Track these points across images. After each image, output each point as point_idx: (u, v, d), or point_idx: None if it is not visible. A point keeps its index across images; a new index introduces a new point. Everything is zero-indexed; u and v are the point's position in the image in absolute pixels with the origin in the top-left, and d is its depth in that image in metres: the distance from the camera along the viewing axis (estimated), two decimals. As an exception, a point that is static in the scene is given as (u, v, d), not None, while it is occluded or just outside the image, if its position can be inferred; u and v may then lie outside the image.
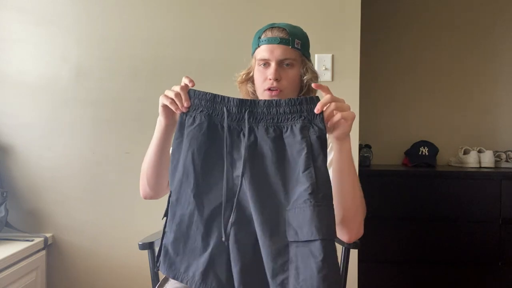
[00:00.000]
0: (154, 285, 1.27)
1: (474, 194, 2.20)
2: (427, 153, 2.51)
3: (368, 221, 2.15)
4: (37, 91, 1.88)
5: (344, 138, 1.02)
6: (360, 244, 1.26)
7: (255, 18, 1.86)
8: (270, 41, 1.19)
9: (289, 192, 0.92)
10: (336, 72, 1.85)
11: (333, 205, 0.93)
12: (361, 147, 2.44)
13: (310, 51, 1.91)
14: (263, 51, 1.20)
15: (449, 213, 2.20)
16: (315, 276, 0.86)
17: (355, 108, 1.85)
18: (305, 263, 0.87)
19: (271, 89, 1.19)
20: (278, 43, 1.19)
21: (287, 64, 1.20)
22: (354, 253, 1.83)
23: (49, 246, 1.87)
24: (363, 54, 1.88)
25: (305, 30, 1.90)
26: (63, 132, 1.88)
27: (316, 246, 0.87)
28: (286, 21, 1.89)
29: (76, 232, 1.89)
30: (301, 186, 0.90)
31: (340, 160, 1.05)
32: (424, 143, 2.55)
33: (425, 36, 2.70)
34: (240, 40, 1.87)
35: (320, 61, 1.84)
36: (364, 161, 2.39)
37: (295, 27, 1.25)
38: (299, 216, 0.89)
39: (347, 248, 1.26)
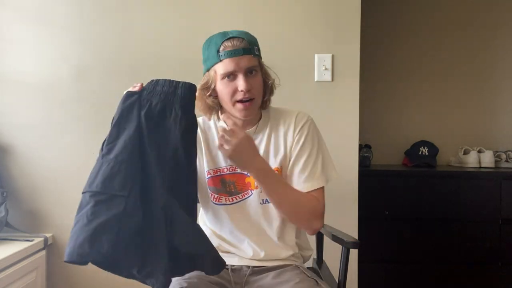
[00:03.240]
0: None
1: (474, 194, 2.20)
2: (427, 153, 2.51)
3: (369, 221, 2.16)
4: (37, 91, 1.88)
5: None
6: (360, 244, 1.26)
7: (255, 18, 1.86)
8: (233, 53, 1.18)
9: None
10: (336, 72, 1.85)
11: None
12: (361, 147, 2.44)
13: (311, 51, 1.91)
14: (227, 64, 1.19)
15: (449, 213, 2.20)
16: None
17: (355, 108, 1.86)
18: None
19: (244, 100, 1.20)
20: (242, 54, 1.19)
21: (251, 72, 1.21)
22: (354, 253, 1.83)
23: (49, 246, 1.87)
24: (363, 54, 1.88)
25: (305, 30, 1.92)
26: (63, 132, 1.88)
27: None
28: (287, 21, 1.89)
29: (76, 232, 1.89)
30: None
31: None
32: (424, 143, 2.55)
33: (425, 36, 2.70)
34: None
35: (320, 61, 1.84)
36: (364, 161, 2.39)
37: (246, 33, 1.26)
38: None
39: (347, 248, 1.26)
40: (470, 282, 2.20)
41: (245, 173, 1.26)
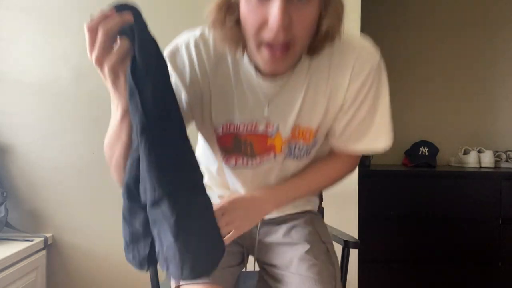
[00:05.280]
0: (153, 285, 1.27)
1: (474, 194, 2.20)
2: (427, 153, 2.51)
3: (368, 221, 2.16)
4: (37, 91, 1.88)
5: (261, 217, 0.98)
6: (360, 244, 1.26)
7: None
8: None
9: None
10: (336, 72, 1.85)
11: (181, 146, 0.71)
12: (361, 147, 2.44)
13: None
14: None
15: (449, 213, 2.20)
16: (172, 243, 0.68)
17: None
18: (163, 228, 0.70)
19: (274, 46, 0.75)
20: None
21: None
22: (354, 253, 1.83)
23: (49, 246, 1.87)
24: (363, 54, 1.88)
25: (305, 30, 1.85)
26: (63, 132, 1.88)
27: (165, 205, 0.68)
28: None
29: (76, 232, 1.89)
30: None
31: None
32: (424, 143, 2.55)
33: (425, 36, 2.70)
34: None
35: (320, 61, 1.84)
36: (364, 161, 2.39)
37: None
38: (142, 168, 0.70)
39: (347, 248, 1.26)
40: (470, 282, 2.20)
41: (268, 134, 0.92)
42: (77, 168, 1.88)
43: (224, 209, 0.89)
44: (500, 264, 2.19)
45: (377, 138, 0.96)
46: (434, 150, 2.53)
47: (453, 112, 2.69)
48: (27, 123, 1.88)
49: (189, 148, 0.75)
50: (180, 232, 0.68)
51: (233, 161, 0.97)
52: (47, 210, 1.89)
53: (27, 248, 1.70)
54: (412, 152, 2.55)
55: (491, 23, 2.69)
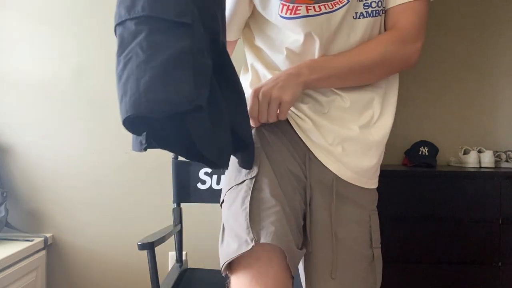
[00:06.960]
0: (153, 285, 1.27)
1: (474, 194, 2.20)
2: (427, 153, 2.50)
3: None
4: (37, 91, 1.88)
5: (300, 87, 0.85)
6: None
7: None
8: None
9: None
10: (336, 72, 1.85)
11: None
12: (361, 147, 2.44)
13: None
14: None
15: (449, 213, 2.20)
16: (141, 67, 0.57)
17: (355, 108, 1.86)
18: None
19: None
20: None
21: None
22: (354, 253, 1.83)
23: (49, 246, 1.87)
24: (363, 54, 1.87)
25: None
26: (63, 132, 1.89)
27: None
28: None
29: (76, 232, 1.89)
30: None
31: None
32: (424, 143, 2.55)
33: (425, 36, 2.70)
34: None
35: (320, 61, 1.83)
36: (364, 161, 2.39)
37: None
38: None
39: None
40: (470, 282, 2.19)
41: None
42: (77, 168, 1.89)
43: (258, 91, 0.83)
44: (500, 264, 2.19)
45: None
46: (434, 150, 2.53)
47: (453, 112, 2.69)
48: (27, 123, 1.88)
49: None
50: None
51: (303, 9, 0.83)
52: (47, 210, 1.89)
53: (27, 248, 1.70)
54: (412, 152, 2.55)
55: (491, 23, 2.69)
